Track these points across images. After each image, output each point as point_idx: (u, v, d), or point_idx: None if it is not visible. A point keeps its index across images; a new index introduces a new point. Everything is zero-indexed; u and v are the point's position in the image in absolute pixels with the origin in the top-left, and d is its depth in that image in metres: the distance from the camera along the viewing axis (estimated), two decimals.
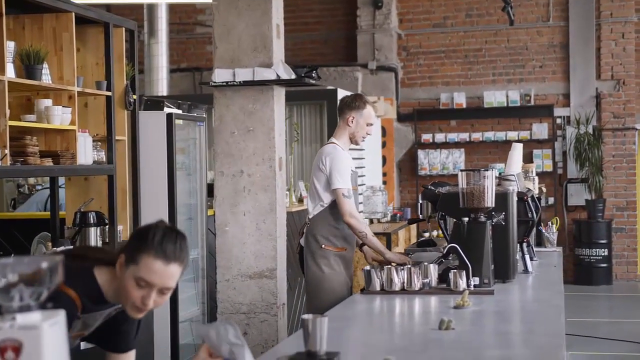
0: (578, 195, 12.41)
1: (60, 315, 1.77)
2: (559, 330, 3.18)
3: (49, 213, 5.78)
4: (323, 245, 5.15)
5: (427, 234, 10.27)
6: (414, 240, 10.25)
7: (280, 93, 5.63)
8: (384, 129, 12.17)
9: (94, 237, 5.37)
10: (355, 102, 5.23)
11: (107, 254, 2.72)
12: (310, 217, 5.27)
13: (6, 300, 1.74)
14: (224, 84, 5.47)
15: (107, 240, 5.56)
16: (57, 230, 5.56)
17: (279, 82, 5.45)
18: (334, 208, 5.14)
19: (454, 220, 4.49)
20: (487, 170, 4.36)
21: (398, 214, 10.65)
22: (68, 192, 5.75)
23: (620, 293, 11.70)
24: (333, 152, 5.11)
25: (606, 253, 12.07)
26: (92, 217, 5.38)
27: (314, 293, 5.19)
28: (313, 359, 2.71)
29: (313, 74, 5.69)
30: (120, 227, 5.74)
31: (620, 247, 12.41)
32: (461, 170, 4.40)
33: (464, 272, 4.15)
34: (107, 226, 5.54)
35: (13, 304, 1.73)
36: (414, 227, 10.82)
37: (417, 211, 9.46)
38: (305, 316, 2.71)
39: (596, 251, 12.04)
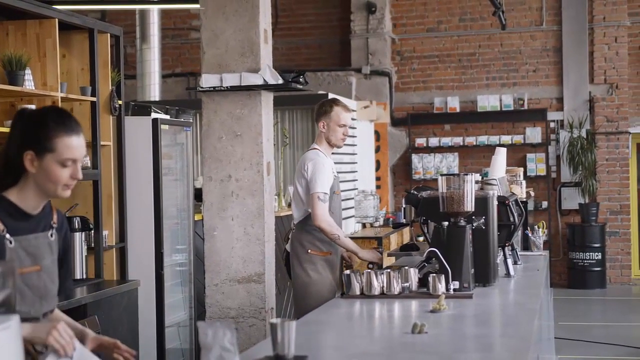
0: (572, 199, 12.42)
1: (14, 320, 1.79)
2: (528, 333, 3.19)
3: None
4: (309, 250, 5.21)
5: (421, 239, 10.27)
6: None
7: (268, 98, 5.65)
8: (377, 134, 12.20)
9: (79, 242, 5.38)
10: (323, 107, 5.34)
11: (4, 182, 2.74)
12: (295, 222, 5.31)
13: None
14: (212, 89, 5.49)
15: (92, 245, 5.58)
16: None
17: (266, 87, 5.47)
18: None
19: (435, 224, 4.50)
20: (467, 174, 4.37)
21: (391, 218, 10.65)
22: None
23: (613, 297, 11.69)
24: (315, 158, 5.20)
25: (600, 257, 12.08)
26: (77, 222, 5.39)
27: (301, 298, 5.23)
28: None
29: (300, 79, 5.70)
30: (105, 232, 5.75)
31: (614, 251, 12.42)
32: (441, 175, 4.41)
33: (444, 276, 4.17)
34: (92, 231, 5.55)
35: None
36: (407, 231, 10.83)
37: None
38: (273, 320, 2.74)
39: (590, 255, 12.05)
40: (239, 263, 5.51)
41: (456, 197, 4.32)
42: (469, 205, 4.33)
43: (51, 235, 2.81)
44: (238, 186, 5.52)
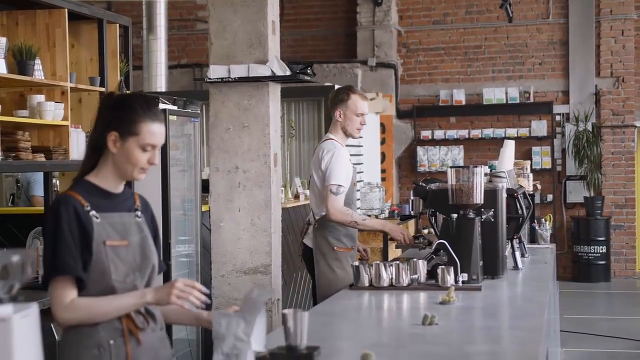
0: (577, 193, 12.42)
1: (33, 308, 1.79)
2: (539, 325, 3.20)
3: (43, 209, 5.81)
4: (335, 247, 5.12)
5: (426, 231, 10.26)
6: None
7: (275, 89, 5.64)
8: (383, 126, 12.20)
9: None
10: (339, 95, 5.22)
11: (85, 165, 2.87)
12: (317, 217, 5.20)
13: None
14: (219, 80, 5.48)
15: None
16: None
17: (273, 78, 5.46)
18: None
19: (443, 216, 4.50)
20: (476, 167, 4.37)
21: (396, 211, 10.65)
22: (62, 187, 5.78)
23: (618, 290, 11.71)
24: (333, 149, 5.10)
25: (604, 250, 12.08)
26: None
27: (327, 294, 5.13)
28: (293, 353, 2.73)
29: (308, 71, 5.69)
30: None
31: (618, 245, 12.42)
32: (450, 167, 4.41)
33: (452, 268, 4.17)
34: None
35: None
36: (412, 223, 10.83)
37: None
38: (286, 311, 2.74)
39: (594, 248, 12.06)
40: (246, 254, 5.51)
41: (465, 190, 4.32)
42: (478, 198, 4.33)
43: (137, 217, 2.90)
44: (245, 177, 5.51)
